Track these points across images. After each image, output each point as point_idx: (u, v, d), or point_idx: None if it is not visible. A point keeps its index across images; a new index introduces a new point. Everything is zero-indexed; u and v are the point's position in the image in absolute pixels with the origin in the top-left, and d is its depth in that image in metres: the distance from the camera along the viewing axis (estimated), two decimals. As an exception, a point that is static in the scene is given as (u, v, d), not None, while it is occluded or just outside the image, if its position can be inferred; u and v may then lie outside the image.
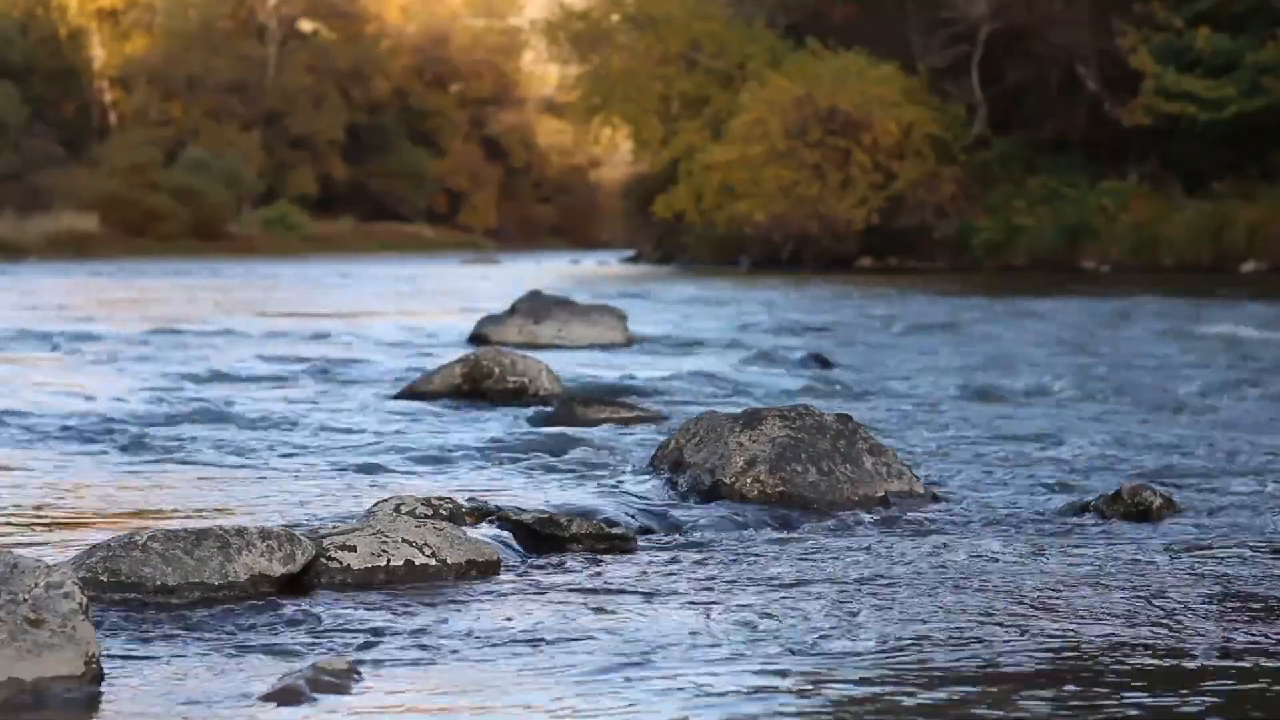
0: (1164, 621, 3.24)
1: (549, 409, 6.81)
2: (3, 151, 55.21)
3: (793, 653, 2.97)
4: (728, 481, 4.60)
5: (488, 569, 3.64)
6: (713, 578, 3.64)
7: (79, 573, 3.24)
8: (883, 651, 2.99)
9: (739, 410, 4.97)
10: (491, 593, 3.47)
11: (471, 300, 18.87)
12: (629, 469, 5.21)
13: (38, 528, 4.14)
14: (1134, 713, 2.63)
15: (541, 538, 3.96)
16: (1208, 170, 34.06)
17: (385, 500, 4.10)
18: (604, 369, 9.40)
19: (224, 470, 5.23)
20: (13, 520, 4.23)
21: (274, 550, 3.42)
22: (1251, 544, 4.07)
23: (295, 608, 3.26)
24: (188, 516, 4.30)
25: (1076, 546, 4.03)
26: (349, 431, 6.26)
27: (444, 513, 4.02)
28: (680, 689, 2.73)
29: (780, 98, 37.88)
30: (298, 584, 3.44)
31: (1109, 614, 3.30)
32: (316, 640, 3.04)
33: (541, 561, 3.82)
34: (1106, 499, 4.48)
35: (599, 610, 3.31)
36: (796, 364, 9.78)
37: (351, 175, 66.80)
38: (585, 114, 45.68)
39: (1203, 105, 33.00)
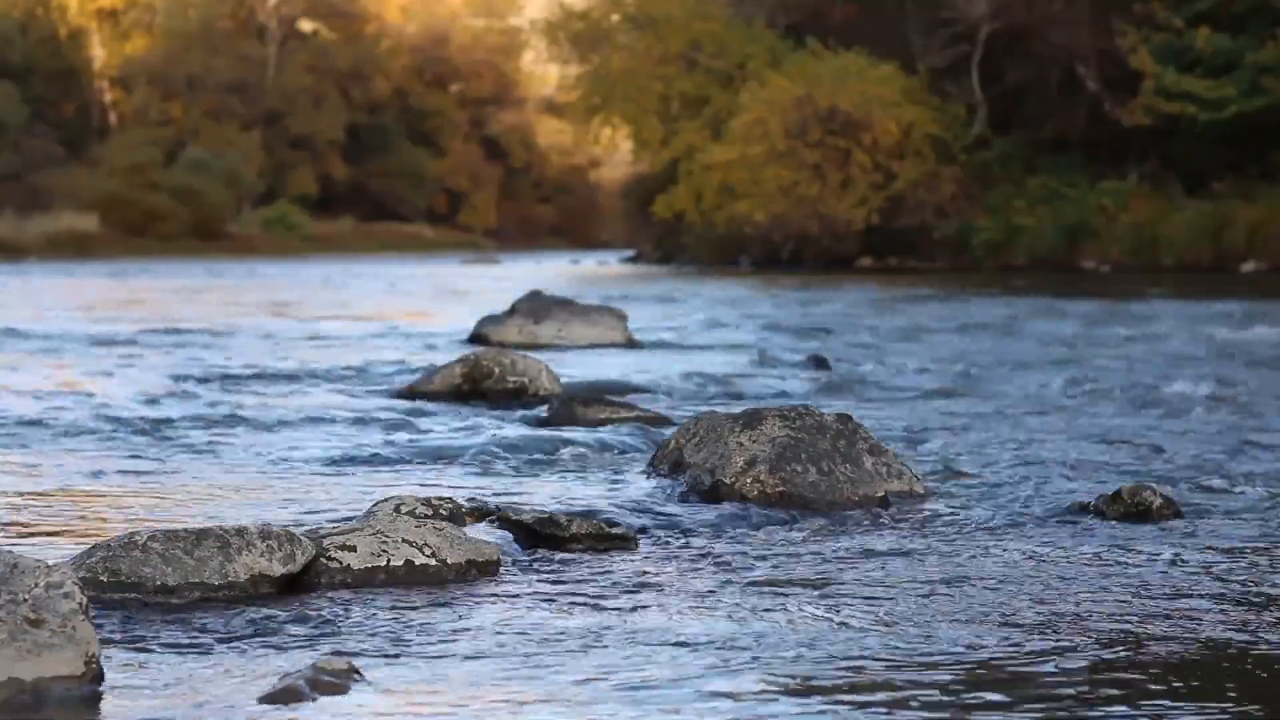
0: (1165, 622, 3.24)
1: (549, 409, 6.81)
2: (3, 151, 55.22)
3: (793, 652, 2.97)
4: (728, 481, 4.60)
5: (488, 569, 3.64)
6: (713, 577, 3.64)
7: (79, 573, 3.24)
8: (883, 651, 2.99)
9: (739, 410, 4.97)
10: (491, 593, 3.47)
11: (471, 300, 18.87)
12: (629, 469, 5.21)
13: (38, 527, 4.14)
14: (1134, 713, 2.63)
15: (541, 537, 3.96)
16: (1208, 170, 34.06)
17: (385, 500, 4.10)
18: (604, 369, 9.40)
19: (224, 470, 5.23)
20: (13, 520, 4.23)
21: (274, 550, 3.42)
22: (1251, 544, 4.07)
23: (295, 608, 3.26)
24: (188, 516, 4.30)
25: (1076, 546, 4.03)
26: (349, 431, 6.26)
27: (444, 513, 4.02)
28: (680, 689, 2.73)
29: (780, 98, 37.89)
30: (298, 584, 3.44)
31: (1109, 614, 3.30)
32: (316, 640, 3.04)
33: (541, 561, 3.82)
34: (1106, 499, 4.48)
35: (599, 610, 3.31)
36: (796, 364, 9.79)
37: (351, 175, 66.81)
38: (585, 114, 45.69)
39: (1203, 105, 33.00)
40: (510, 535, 3.95)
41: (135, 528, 3.64)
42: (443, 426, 6.45)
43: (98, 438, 5.95)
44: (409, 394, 7.62)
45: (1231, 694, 2.74)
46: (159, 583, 3.32)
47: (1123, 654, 2.98)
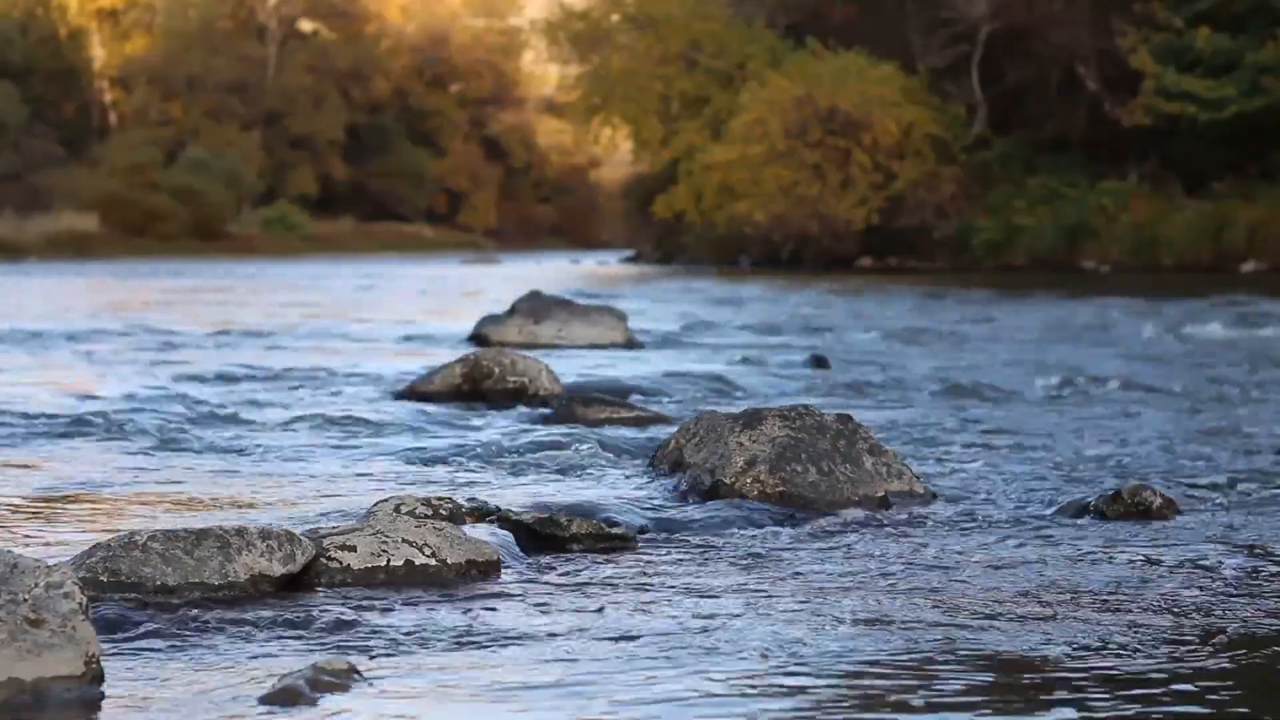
0: (1165, 621, 3.24)
1: (549, 409, 6.80)
2: (3, 151, 55.24)
3: (793, 653, 2.97)
4: (728, 481, 4.60)
5: (488, 569, 3.64)
6: (713, 577, 3.64)
7: (79, 573, 3.24)
8: (883, 652, 2.99)
9: (739, 410, 4.97)
10: (491, 593, 3.47)
11: (471, 300, 18.86)
12: (629, 469, 5.21)
13: (38, 527, 4.14)
14: (1136, 710, 2.63)
15: (541, 537, 3.96)
16: (1208, 170, 34.07)
17: (385, 500, 4.10)
18: (604, 369, 9.39)
19: (224, 470, 5.23)
20: (13, 520, 4.23)
21: (274, 550, 3.42)
22: (1252, 544, 4.07)
23: (295, 608, 3.26)
24: (188, 516, 4.30)
25: (1077, 547, 4.03)
26: (349, 431, 6.25)
27: (444, 513, 4.02)
28: (680, 689, 2.73)
29: (780, 98, 37.90)
30: (298, 584, 3.44)
31: (1109, 614, 3.30)
32: (316, 640, 3.04)
33: (541, 561, 3.82)
34: (1106, 499, 4.48)
35: (599, 610, 3.31)
36: (796, 364, 9.78)
37: (351, 175, 66.83)
38: (585, 114, 45.72)
39: (1203, 105, 33.01)
40: (510, 535, 3.95)
41: (135, 528, 3.64)
42: (443, 426, 6.45)
43: (98, 438, 5.95)
44: (409, 394, 7.62)
45: (1232, 692, 2.74)
46: (159, 583, 3.32)
47: (1123, 653, 2.98)
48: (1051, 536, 4.18)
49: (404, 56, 70.55)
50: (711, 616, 3.25)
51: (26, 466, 5.26)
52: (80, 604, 2.68)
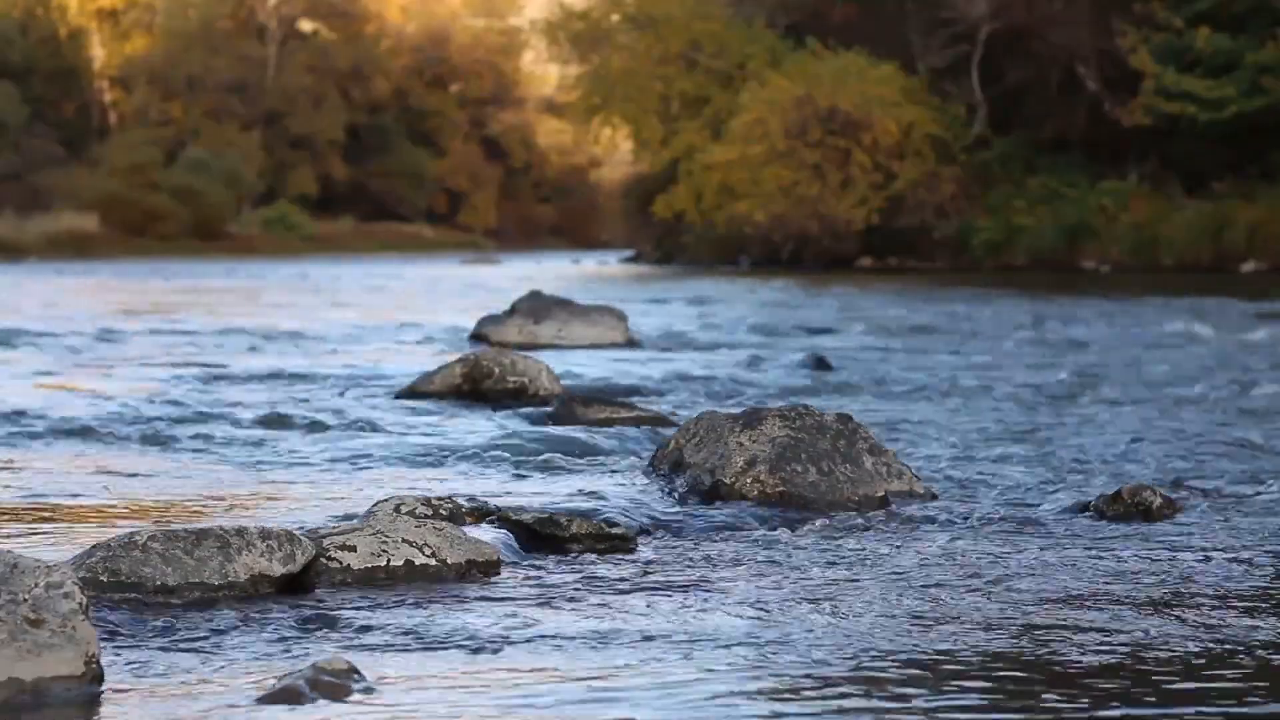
0: (1165, 622, 3.24)
1: (549, 409, 6.80)
2: (3, 151, 55.24)
3: (793, 652, 2.97)
4: (728, 481, 4.60)
5: (488, 569, 3.64)
6: (713, 578, 3.64)
7: (79, 573, 3.24)
8: (883, 652, 2.99)
9: (739, 410, 4.97)
10: (491, 593, 3.47)
11: (471, 300, 18.87)
12: (629, 469, 5.21)
13: (38, 528, 4.14)
14: (1136, 711, 2.63)
15: (541, 538, 3.96)
16: (1208, 170, 34.07)
17: (385, 500, 4.10)
18: (604, 369, 9.40)
19: (224, 470, 5.23)
20: (13, 520, 4.23)
21: (274, 550, 3.42)
22: (1252, 544, 4.07)
23: (295, 608, 3.26)
24: (188, 516, 4.30)
25: (1077, 546, 4.03)
26: (349, 431, 6.25)
27: (444, 513, 4.02)
28: (680, 689, 2.73)
29: (780, 98, 37.90)
30: (298, 584, 3.44)
31: (1109, 614, 3.30)
32: (316, 640, 3.04)
33: (541, 561, 3.82)
34: (1106, 499, 4.48)
35: (599, 610, 3.31)
36: (796, 364, 9.78)
37: (351, 175, 66.83)
38: (585, 114, 45.73)
39: (1203, 105, 33.01)
40: (510, 535, 3.95)
41: (135, 528, 3.64)
42: (443, 426, 6.45)
43: (98, 438, 5.95)
44: (409, 394, 7.62)
45: (1233, 691, 2.74)
46: (159, 583, 3.32)
47: (1123, 653, 2.98)
48: (1051, 536, 4.18)
49: (404, 56, 70.55)
50: (712, 617, 3.25)
51: (27, 467, 5.26)
52: (80, 604, 2.68)
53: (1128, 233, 34.07)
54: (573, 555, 3.89)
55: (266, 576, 3.40)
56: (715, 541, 4.09)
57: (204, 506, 4.48)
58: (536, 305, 11.89)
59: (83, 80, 63.32)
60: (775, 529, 4.25)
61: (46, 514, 4.35)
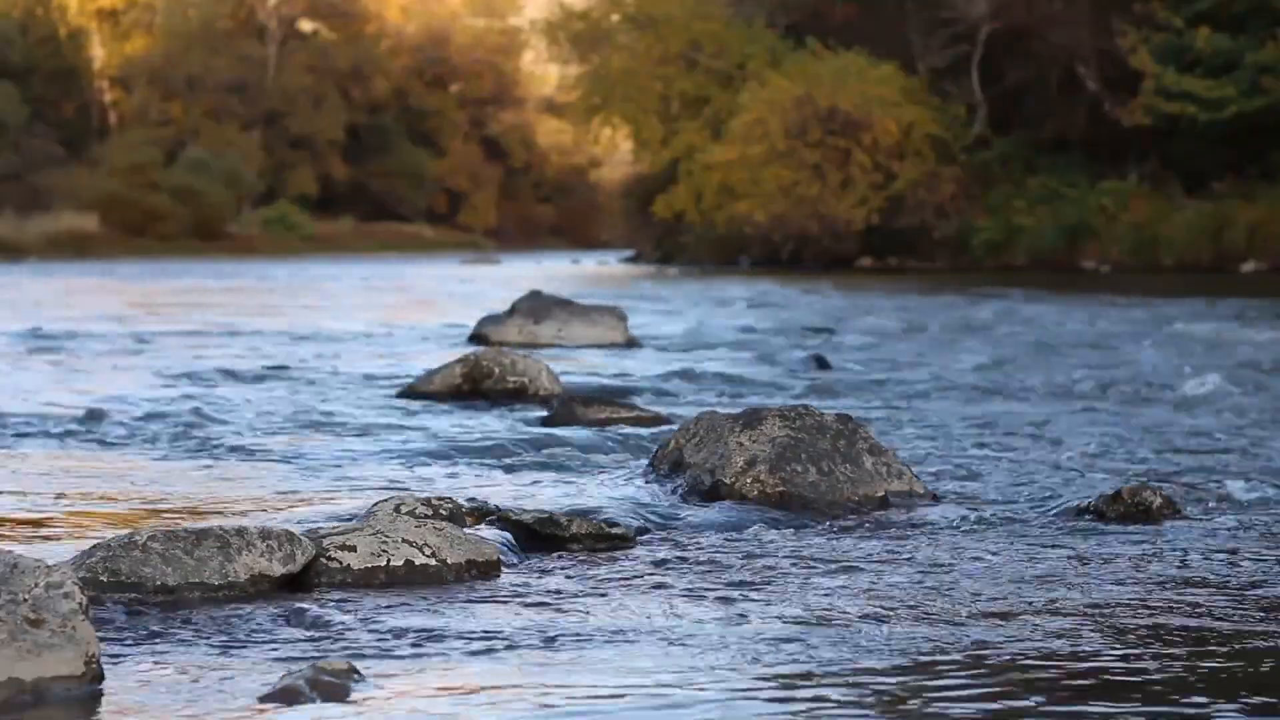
0: (1165, 621, 3.24)
1: (549, 409, 6.80)
2: (3, 151, 55.23)
3: (793, 652, 2.97)
4: (728, 481, 4.60)
5: (488, 569, 3.64)
6: (712, 577, 3.64)
7: (79, 573, 3.24)
8: (883, 652, 2.99)
9: (739, 410, 4.96)
10: (491, 593, 3.47)
11: (471, 300, 18.87)
12: (629, 469, 5.21)
13: (38, 527, 4.14)
14: (1135, 711, 2.63)
15: (541, 537, 3.96)
16: (1208, 170, 34.08)
17: (385, 500, 4.10)
18: (604, 369, 9.40)
19: (224, 470, 5.23)
20: (13, 520, 4.23)
21: (274, 550, 3.42)
22: (1252, 544, 4.07)
23: (295, 608, 3.26)
24: (188, 516, 4.30)
25: (1077, 547, 4.03)
26: (349, 431, 6.25)
27: (444, 513, 4.01)
28: (680, 689, 2.73)
29: (780, 98, 37.91)
30: (298, 584, 3.44)
31: (1109, 614, 3.30)
32: (316, 640, 3.04)
33: (541, 561, 3.82)
34: (1106, 499, 4.48)
35: (599, 610, 3.31)
36: (796, 364, 9.78)
37: (351, 175, 66.82)
38: (585, 114, 45.74)
39: (1203, 105, 33.02)
40: (510, 535, 3.95)
41: (135, 528, 3.64)
42: (443, 427, 6.45)
43: (97, 438, 5.95)
44: (409, 394, 7.62)
45: (1233, 691, 2.74)
46: (159, 583, 3.32)
47: (1123, 653, 2.98)
48: (1052, 536, 4.18)
49: (404, 56, 70.55)
50: (712, 617, 3.25)
51: (27, 466, 5.26)
52: (80, 604, 2.68)
53: (1128, 233, 34.08)
54: (573, 555, 3.89)
55: (266, 576, 3.40)
56: (715, 541, 4.09)
57: (203, 506, 4.48)
58: (536, 305, 11.89)
59: (83, 80, 63.32)
60: (775, 529, 4.25)
61: (47, 514, 4.35)
